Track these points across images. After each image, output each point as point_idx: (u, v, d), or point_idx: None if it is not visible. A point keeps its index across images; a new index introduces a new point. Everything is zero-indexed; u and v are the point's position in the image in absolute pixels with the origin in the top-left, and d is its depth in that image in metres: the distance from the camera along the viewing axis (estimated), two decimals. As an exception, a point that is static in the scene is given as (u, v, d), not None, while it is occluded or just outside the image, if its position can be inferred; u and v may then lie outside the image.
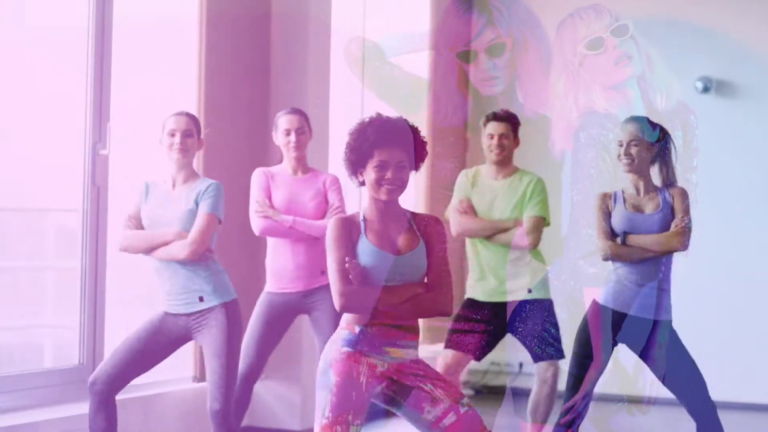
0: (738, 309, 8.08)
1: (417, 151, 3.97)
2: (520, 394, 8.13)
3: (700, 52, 8.34)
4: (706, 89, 8.32)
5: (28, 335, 5.88)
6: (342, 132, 4.10)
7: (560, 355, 5.85)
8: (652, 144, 5.19)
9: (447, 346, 5.94)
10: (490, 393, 8.40)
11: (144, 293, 6.24)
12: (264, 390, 6.75)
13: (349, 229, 3.91)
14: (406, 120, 3.98)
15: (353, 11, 7.74)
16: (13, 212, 5.70)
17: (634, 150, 5.19)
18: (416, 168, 3.98)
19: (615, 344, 5.13)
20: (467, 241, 5.99)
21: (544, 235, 6.02)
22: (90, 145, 5.74)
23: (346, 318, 3.95)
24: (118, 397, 5.04)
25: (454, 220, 5.95)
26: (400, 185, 3.92)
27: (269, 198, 5.60)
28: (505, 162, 5.95)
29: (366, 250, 3.89)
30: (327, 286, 5.40)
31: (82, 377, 5.70)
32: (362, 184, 3.96)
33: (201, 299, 5.00)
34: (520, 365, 8.52)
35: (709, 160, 8.31)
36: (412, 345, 4.01)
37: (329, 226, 3.93)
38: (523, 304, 5.86)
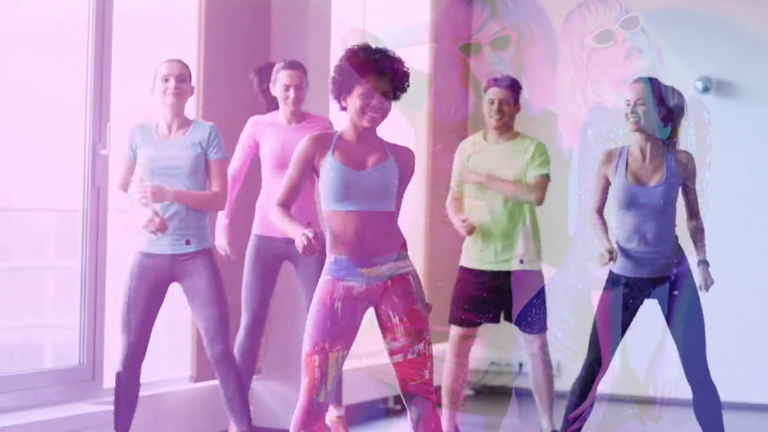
0: (738, 309, 8.07)
1: (400, 81, 4.09)
2: (521, 395, 8.13)
3: (700, 52, 8.33)
4: (706, 89, 8.32)
5: (28, 335, 5.88)
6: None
7: (544, 328, 5.86)
8: (660, 104, 5.18)
9: (451, 321, 5.96)
10: (490, 393, 8.40)
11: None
12: (264, 390, 6.75)
13: (317, 147, 4.09)
14: (393, 51, 4.11)
15: (353, 3, 7.74)
16: (13, 212, 5.70)
17: (641, 109, 5.17)
18: (396, 98, 4.10)
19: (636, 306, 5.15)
20: (468, 207, 5.98)
21: (550, 234, 6.03)
22: (90, 145, 5.74)
23: (327, 246, 4.10)
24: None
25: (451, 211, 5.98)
26: (383, 114, 4.08)
27: (257, 147, 5.74)
28: (505, 127, 5.97)
29: (331, 165, 4.05)
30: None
31: (82, 377, 5.70)
32: (343, 108, 4.11)
33: (188, 242, 5.16)
34: (520, 365, 8.52)
35: (708, 161, 8.32)
36: (389, 259, 4.09)
37: (300, 142, 4.11)
38: (514, 274, 5.88)
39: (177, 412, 6.13)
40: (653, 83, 5.23)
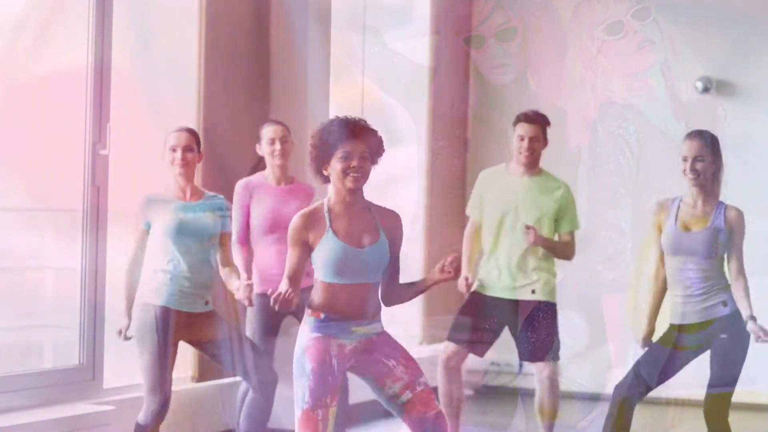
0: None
1: (375, 147, 4.18)
2: (522, 394, 8.12)
3: (700, 52, 8.33)
4: (706, 89, 8.32)
5: (28, 335, 5.87)
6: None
7: (556, 357, 5.87)
8: (716, 159, 5.22)
9: (449, 338, 5.97)
10: (490, 393, 8.40)
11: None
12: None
13: (311, 225, 4.15)
14: (364, 120, 4.21)
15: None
16: (13, 212, 5.69)
17: (699, 165, 5.21)
18: (374, 162, 4.19)
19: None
20: (485, 234, 5.98)
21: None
22: (90, 145, 5.73)
23: (310, 305, 4.17)
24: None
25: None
26: (364, 174, 4.15)
27: (248, 213, 5.77)
28: (532, 164, 5.93)
29: (331, 243, 4.11)
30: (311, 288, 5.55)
31: (82, 377, 5.70)
32: (326, 180, 4.19)
33: (207, 303, 5.29)
34: (520, 365, 8.51)
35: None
36: (376, 321, 4.21)
37: (293, 221, 4.16)
38: (525, 304, 5.87)
39: (178, 412, 6.12)
40: (708, 137, 5.25)
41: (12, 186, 5.60)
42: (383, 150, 4.21)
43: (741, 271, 5.29)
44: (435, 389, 4.17)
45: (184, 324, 5.23)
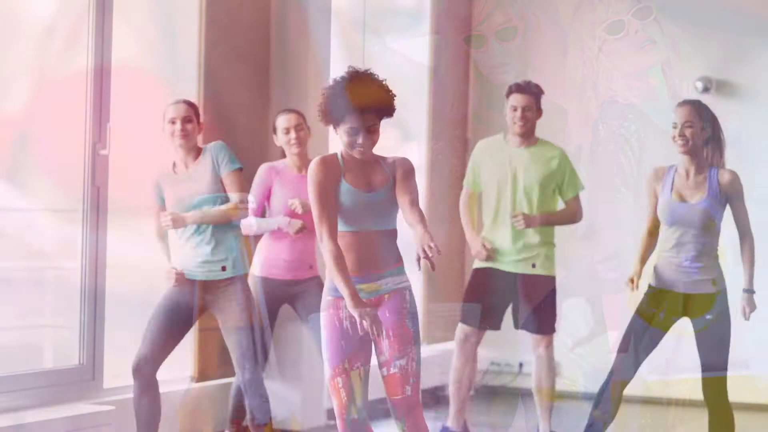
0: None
1: (386, 106, 4.13)
2: (522, 394, 8.11)
3: (700, 52, 8.33)
4: (706, 89, 8.31)
5: (28, 335, 5.87)
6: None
7: (552, 330, 5.89)
8: (705, 126, 5.20)
9: (462, 321, 5.98)
10: (490, 393, 8.39)
11: (144, 293, 6.23)
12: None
13: (331, 171, 4.11)
14: (376, 76, 4.13)
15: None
16: (13, 212, 5.69)
17: (688, 132, 5.21)
18: (388, 116, 4.15)
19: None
20: (485, 206, 5.98)
21: (558, 231, 6.03)
22: (90, 145, 5.73)
23: (327, 267, 4.12)
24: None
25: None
26: (371, 145, 4.12)
27: (268, 196, 5.74)
28: (527, 134, 5.94)
29: (344, 189, 4.09)
30: (313, 278, 5.54)
31: (82, 377, 5.70)
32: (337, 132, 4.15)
33: (224, 268, 5.27)
34: (520, 365, 8.51)
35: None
36: (384, 276, 4.15)
37: (312, 168, 4.10)
38: (526, 278, 5.89)
39: (178, 412, 6.12)
40: (699, 105, 5.26)
41: (12, 186, 5.59)
42: (393, 110, 4.15)
43: (747, 232, 5.30)
44: (415, 374, 4.11)
45: (201, 295, 5.26)
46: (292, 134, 5.75)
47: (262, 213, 5.79)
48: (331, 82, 4.13)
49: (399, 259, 4.19)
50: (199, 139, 5.45)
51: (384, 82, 4.13)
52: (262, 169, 5.81)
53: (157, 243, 5.40)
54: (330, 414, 6.81)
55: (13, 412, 5.29)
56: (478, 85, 8.95)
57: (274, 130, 5.83)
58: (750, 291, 5.24)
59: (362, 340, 4.11)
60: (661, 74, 7.76)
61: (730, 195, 5.26)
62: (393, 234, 4.19)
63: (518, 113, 5.92)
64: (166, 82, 6.37)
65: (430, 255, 4.00)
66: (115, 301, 5.89)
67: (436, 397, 8.18)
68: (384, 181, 4.15)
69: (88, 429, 5.43)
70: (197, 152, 5.36)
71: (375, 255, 4.11)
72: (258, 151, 6.72)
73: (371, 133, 4.09)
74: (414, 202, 4.18)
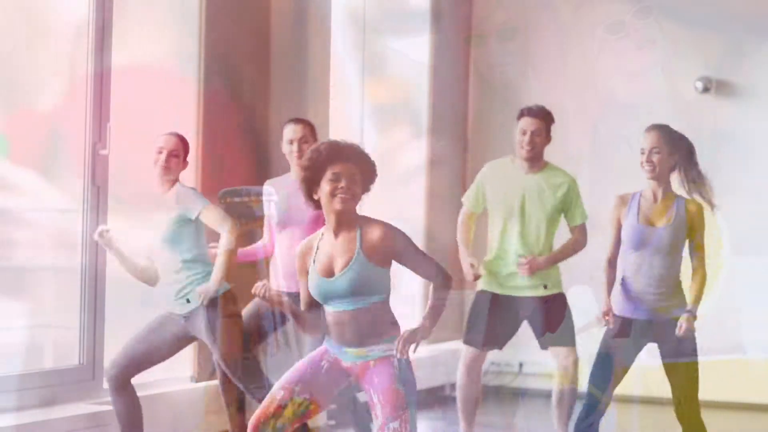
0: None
1: (367, 172, 4.19)
2: (522, 394, 8.12)
3: (700, 52, 8.33)
4: (706, 89, 8.32)
5: (28, 335, 5.87)
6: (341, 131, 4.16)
7: (574, 341, 5.90)
8: (673, 152, 5.24)
9: (466, 342, 5.98)
10: (490, 393, 8.40)
11: (144, 293, 6.23)
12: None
13: (305, 257, 4.23)
14: (357, 144, 4.23)
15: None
16: (13, 212, 5.69)
17: (655, 158, 5.23)
18: (365, 189, 4.19)
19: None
20: (492, 230, 5.97)
21: (559, 232, 6.03)
22: (90, 145, 5.73)
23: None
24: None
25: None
26: (353, 196, 4.13)
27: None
28: (535, 159, 5.92)
29: (311, 273, 4.20)
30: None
31: (82, 377, 5.70)
32: (317, 207, 4.19)
33: (188, 301, 5.33)
34: (520, 365, 8.52)
35: (708, 161, 8.30)
36: (374, 344, 4.17)
37: (297, 249, 4.26)
38: (540, 299, 5.89)
39: (177, 412, 6.13)
40: (667, 131, 5.28)
41: (11, 186, 5.60)
42: (375, 176, 4.20)
43: (702, 265, 5.30)
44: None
45: (183, 326, 5.33)
46: (295, 146, 5.67)
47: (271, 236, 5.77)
48: (310, 150, 4.22)
49: (392, 330, 4.20)
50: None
51: (367, 153, 4.22)
52: (265, 186, 5.79)
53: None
54: (330, 414, 6.81)
55: (13, 412, 5.29)
56: (478, 85, 8.95)
57: (282, 138, 5.77)
58: (691, 312, 5.24)
59: (326, 386, 4.20)
60: (660, 74, 7.76)
61: (692, 225, 5.28)
62: (380, 307, 4.18)
63: (527, 137, 5.88)
64: (166, 81, 6.38)
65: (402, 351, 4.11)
66: (115, 301, 5.90)
67: (440, 398, 8.18)
68: (345, 263, 4.14)
69: (88, 429, 5.43)
70: (170, 186, 5.37)
71: (356, 330, 4.15)
72: (261, 153, 6.73)
73: (353, 182, 4.11)
74: (428, 274, 4.21)
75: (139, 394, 5.81)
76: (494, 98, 8.70)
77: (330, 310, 4.16)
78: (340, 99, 7.41)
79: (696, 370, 5.22)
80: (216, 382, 5.80)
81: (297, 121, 5.77)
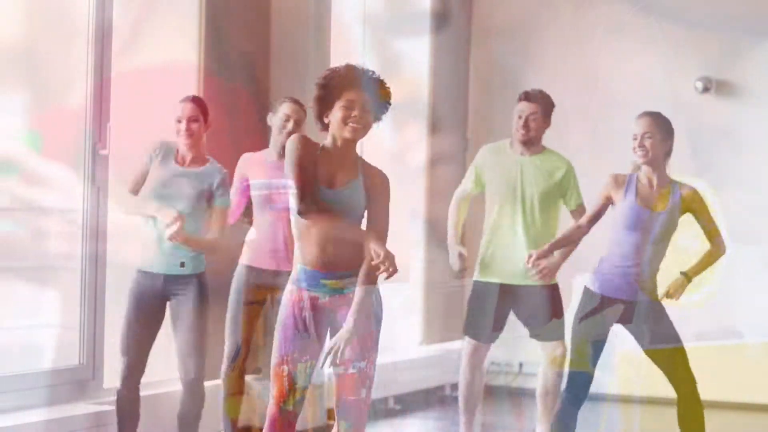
0: (736, 309, 8.08)
1: (381, 100, 4.14)
2: (522, 394, 8.12)
3: (700, 52, 8.34)
4: (706, 89, 8.32)
5: (28, 335, 5.87)
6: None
7: (563, 335, 5.89)
8: (666, 138, 5.26)
9: (467, 334, 5.97)
10: (491, 393, 8.40)
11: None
12: (263, 390, 6.74)
13: (310, 150, 4.10)
14: (373, 71, 4.16)
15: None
16: (13, 212, 5.69)
17: (648, 142, 5.25)
18: (378, 118, 4.15)
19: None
20: (487, 213, 5.97)
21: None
22: (90, 145, 5.73)
23: (294, 257, 4.16)
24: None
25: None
26: (365, 126, 4.10)
27: (248, 186, 5.74)
28: (531, 142, 5.92)
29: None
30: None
31: (82, 377, 5.70)
32: (325, 128, 4.14)
33: (182, 265, 5.29)
34: (520, 365, 8.52)
35: (708, 160, 8.31)
36: (350, 275, 4.11)
37: (294, 141, 4.11)
38: (531, 288, 5.88)
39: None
40: (658, 117, 5.30)
41: (12, 186, 5.60)
42: (389, 106, 4.16)
43: (717, 246, 5.34)
44: (369, 377, 4.13)
45: (159, 288, 5.28)
46: (290, 123, 5.70)
47: (245, 203, 5.77)
48: (328, 69, 4.17)
49: (362, 261, 4.13)
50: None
51: (383, 80, 4.15)
52: (240, 161, 5.81)
53: (126, 198, 5.37)
54: (330, 414, 6.81)
55: (13, 412, 5.29)
56: (478, 85, 8.95)
57: (275, 111, 5.76)
58: (686, 275, 5.26)
59: (316, 336, 4.14)
60: (660, 74, 7.76)
61: (692, 210, 5.30)
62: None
63: (521, 121, 5.90)
64: (166, 81, 6.38)
65: (381, 268, 3.98)
66: (115, 301, 5.90)
67: (440, 398, 8.19)
68: (346, 180, 4.11)
69: (88, 429, 5.43)
70: (198, 156, 5.34)
71: (335, 251, 4.09)
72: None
73: (366, 111, 4.07)
74: (379, 235, 4.09)
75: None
76: (494, 98, 8.70)
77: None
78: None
79: (681, 342, 5.23)
80: (216, 382, 5.81)
81: (297, 102, 5.78)
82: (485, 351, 6.02)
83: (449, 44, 8.73)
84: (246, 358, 5.76)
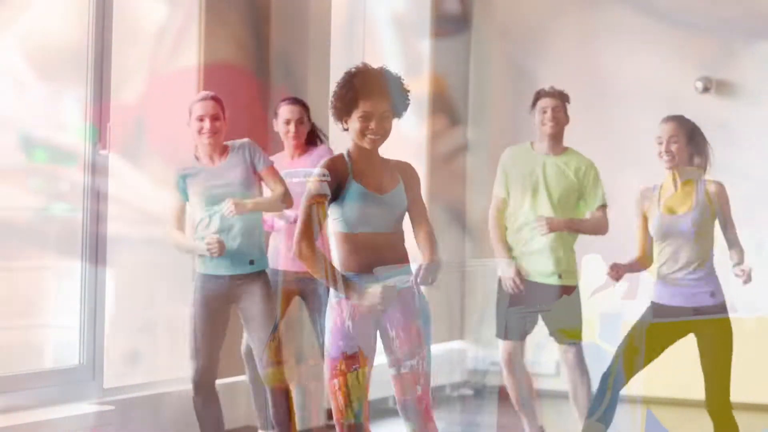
0: (736, 309, 8.07)
1: (400, 99, 4.11)
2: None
3: (700, 52, 8.33)
4: (706, 89, 8.32)
5: (28, 335, 5.87)
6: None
7: (579, 337, 5.88)
8: (689, 140, 5.26)
9: (501, 336, 5.95)
10: (491, 393, 8.40)
11: (144, 293, 6.23)
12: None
13: (335, 173, 4.05)
14: (389, 70, 4.12)
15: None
16: (13, 212, 5.69)
17: (674, 147, 5.25)
18: (399, 116, 4.12)
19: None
20: (511, 213, 5.95)
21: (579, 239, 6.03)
22: (90, 145, 5.73)
23: (336, 263, 4.10)
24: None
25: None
26: (383, 134, 4.08)
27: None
28: (558, 136, 5.91)
29: (356, 190, 4.04)
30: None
31: (82, 377, 5.70)
32: (346, 129, 4.10)
33: (252, 262, 5.26)
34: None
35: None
36: (393, 274, 4.07)
37: (312, 189, 4.05)
38: (552, 288, 5.87)
39: (177, 412, 6.12)
40: (682, 120, 5.30)
41: (12, 186, 5.60)
42: (408, 103, 4.12)
43: (736, 242, 5.35)
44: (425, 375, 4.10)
45: (225, 289, 5.24)
46: (291, 127, 5.74)
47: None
48: (344, 75, 4.10)
49: (406, 259, 4.12)
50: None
51: (401, 78, 4.12)
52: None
53: (172, 234, 5.30)
54: (330, 414, 6.81)
55: (13, 412, 5.29)
56: (478, 85, 8.95)
57: (276, 116, 5.80)
58: (739, 265, 5.29)
59: (363, 343, 4.05)
60: (660, 74, 7.76)
61: (717, 205, 5.29)
62: (400, 237, 4.12)
63: (548, 114, 5.88)
64: (166, 81, 6.38)
65: (420, 283, 4.00)
66: (115, 301, 5.90)
67: (440, 398, 8.18)
68: (393, 183, 4.11)
69: (88, 429, 5.43)
70: (222, 149, 5.31)
71: (381, 257, 4.05)
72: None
73: (384, 120, 4.05)
74: (422, 219, 4.14)
75: (140, 394, 5.83)
76: (494, 98, 8.70)
77: (366, 231, 4.03)
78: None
79: (730, 360, 5.20)
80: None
81: (293, 101, 5.81)
82: (520, 350, 5.98)
83: (449, 44, 8.73)
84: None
